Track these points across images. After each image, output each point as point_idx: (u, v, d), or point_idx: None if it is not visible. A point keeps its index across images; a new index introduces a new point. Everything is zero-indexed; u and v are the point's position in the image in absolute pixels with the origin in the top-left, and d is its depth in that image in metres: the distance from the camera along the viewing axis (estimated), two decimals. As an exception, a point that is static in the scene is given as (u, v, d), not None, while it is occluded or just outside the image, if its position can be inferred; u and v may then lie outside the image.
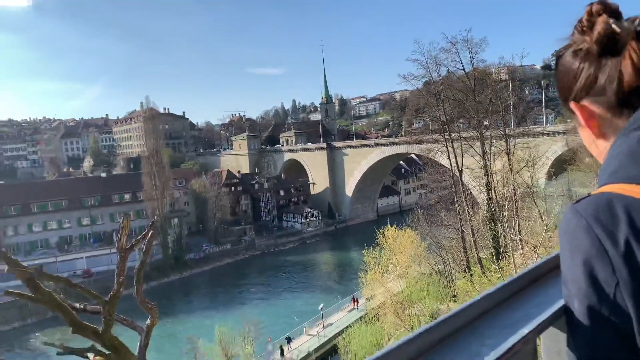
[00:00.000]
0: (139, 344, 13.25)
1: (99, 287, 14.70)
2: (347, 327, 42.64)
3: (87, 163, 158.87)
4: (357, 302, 50.95)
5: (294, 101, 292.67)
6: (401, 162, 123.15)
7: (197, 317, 63.57)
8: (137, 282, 13.63)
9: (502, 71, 50.35)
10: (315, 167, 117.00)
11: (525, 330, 0.98)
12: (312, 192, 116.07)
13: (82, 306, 12.82)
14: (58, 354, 13.08)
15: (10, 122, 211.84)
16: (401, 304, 36.96)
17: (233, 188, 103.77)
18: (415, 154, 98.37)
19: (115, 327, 13.06)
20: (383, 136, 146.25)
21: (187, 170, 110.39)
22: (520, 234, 29.44)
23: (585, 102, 1.18)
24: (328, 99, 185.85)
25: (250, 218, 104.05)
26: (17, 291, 11.80)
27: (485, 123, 43.77)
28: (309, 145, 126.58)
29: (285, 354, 43.39)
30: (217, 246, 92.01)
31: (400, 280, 40.54)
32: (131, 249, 13.55)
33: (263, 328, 45.92)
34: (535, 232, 28.74)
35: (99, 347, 12.73)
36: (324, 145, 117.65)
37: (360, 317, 43.44)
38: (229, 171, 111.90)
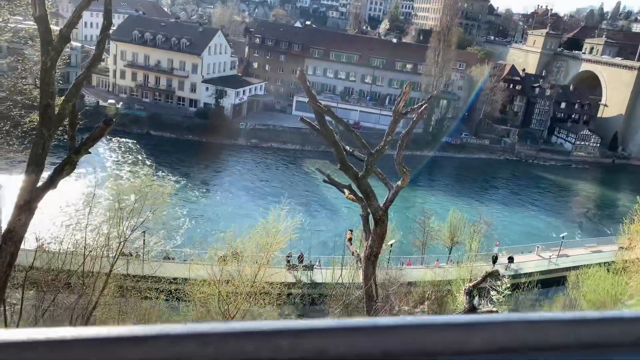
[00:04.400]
0: (385, 198, 15.08)
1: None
2: (584, 265, 39.27)
3: (384, 25, 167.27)
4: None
5: (618, 3, 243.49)
6: None
7: (435, 195, 66.57)
8: (401, 146, 15.08)
9: None
10: (616, 87, 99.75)
11: None
12: (598, 114, 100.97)
13: (351, 150, 14.95)
14: (324, 181, 15.89)
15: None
16: (663, 268, 31.88)
17: (511, 85, 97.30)
18: None
19: (370, 176, 15.00)
20: None
21: (470, 55, 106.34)
22: None
23: None
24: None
25: (518, 121, 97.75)
26: (309, 120, 14.38)
27: None
28: (617, 59, 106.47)
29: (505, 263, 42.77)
30: (476, 138, 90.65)
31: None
32: (405, 114, 14.81)
33: (494, 230, 45.67)
34: None
35: (354, 187, 14.97)
36: (638, 64, 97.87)
37: (605, 262, 39.22)
38: (513, 66, 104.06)
